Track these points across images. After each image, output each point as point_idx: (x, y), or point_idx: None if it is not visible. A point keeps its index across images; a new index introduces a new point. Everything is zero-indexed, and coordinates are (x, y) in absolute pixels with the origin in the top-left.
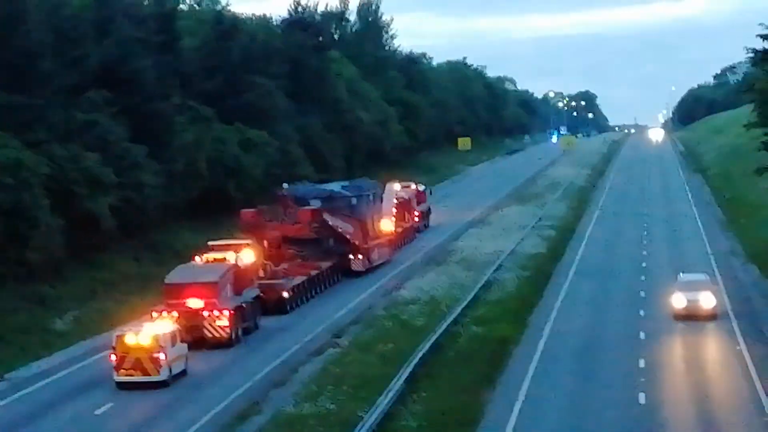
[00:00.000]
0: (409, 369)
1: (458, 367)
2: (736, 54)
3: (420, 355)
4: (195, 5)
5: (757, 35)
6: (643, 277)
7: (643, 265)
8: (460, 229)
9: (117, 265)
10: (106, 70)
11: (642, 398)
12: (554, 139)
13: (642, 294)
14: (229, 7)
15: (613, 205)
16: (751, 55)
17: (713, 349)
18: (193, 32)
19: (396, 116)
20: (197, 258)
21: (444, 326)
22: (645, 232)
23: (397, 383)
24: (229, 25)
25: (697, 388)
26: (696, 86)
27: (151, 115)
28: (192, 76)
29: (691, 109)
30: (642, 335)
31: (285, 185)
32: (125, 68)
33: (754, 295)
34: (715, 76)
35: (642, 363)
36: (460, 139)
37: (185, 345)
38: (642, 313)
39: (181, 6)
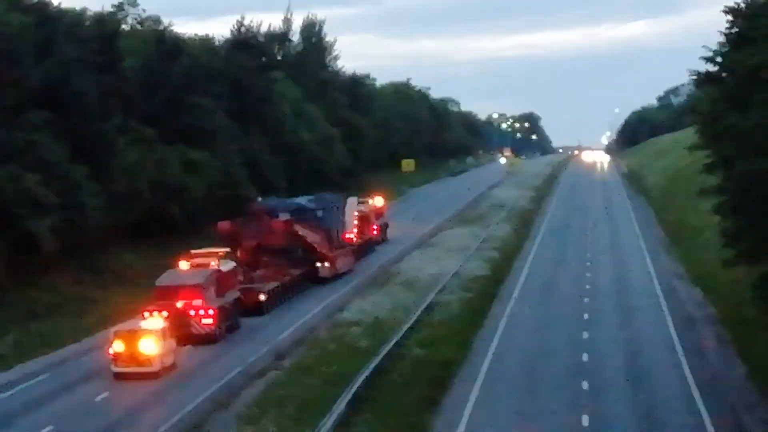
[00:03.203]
0: (352, 391)
1: (402, 390)
2: (680, 76)
3: (363, 377)
4: (137, 25)
5: (700, 57)
6: (586, 299)
7: (587, 287)
8: (403, 251)
9: (58, 286)
10: (46, 91)
11: (585, 420)
12: (502, 160)
13: (585, 316)
14: (171, 28)
15: (557, 227)
16: (694, 77)
17: (656, 373)
18: (135, 52)
19: (339, 137)
20: (182, 263)
21: (387, 348)
22: (588, 254)
23: (340, 406)
24: (171, 46)
25: (641, 407)
26: (640, 108)
27: (93, 136)
28: (134, 96)
29: (635, 131)
30: (585, 357)
31: (259, 199)
32: (66, 89)
33: (698, 317)
34: (659, 98)
35: (585, 385)
36: (403, 161)
37: (174, 340)
38: (585, 335)
39: (123, 26)
